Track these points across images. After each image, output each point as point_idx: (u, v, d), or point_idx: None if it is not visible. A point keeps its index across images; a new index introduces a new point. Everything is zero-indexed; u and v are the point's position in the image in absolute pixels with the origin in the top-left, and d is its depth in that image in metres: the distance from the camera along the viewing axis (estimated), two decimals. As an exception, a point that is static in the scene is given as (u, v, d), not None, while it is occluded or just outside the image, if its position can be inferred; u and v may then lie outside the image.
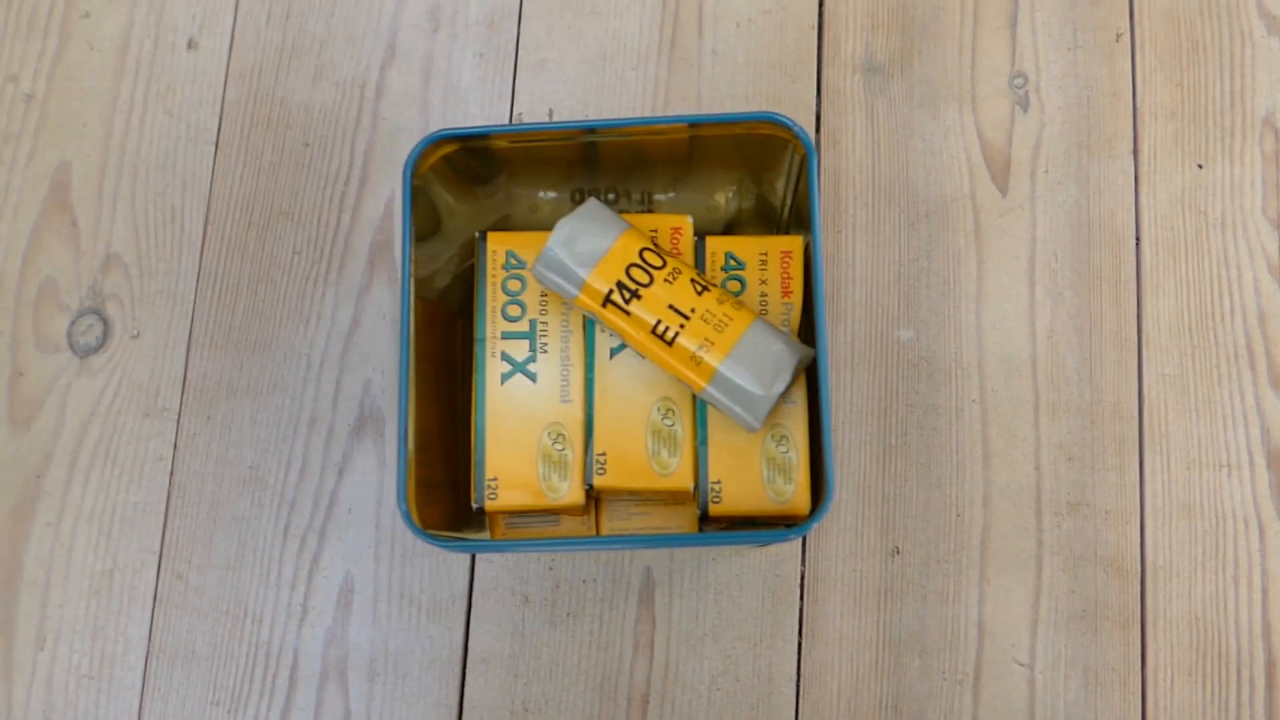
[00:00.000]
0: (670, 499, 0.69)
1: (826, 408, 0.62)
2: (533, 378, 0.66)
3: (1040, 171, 0.84)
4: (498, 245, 0.68)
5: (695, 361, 0.62)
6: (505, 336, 0.67)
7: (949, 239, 0.83)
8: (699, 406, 0.66)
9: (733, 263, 0.68)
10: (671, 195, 0.74)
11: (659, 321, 0.62)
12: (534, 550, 0.66)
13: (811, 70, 0.86)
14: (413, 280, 0.65)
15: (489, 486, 0.65)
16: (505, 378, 0.66)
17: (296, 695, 0.79)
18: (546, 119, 0.86)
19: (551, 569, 0.79)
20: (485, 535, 0.72)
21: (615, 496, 0.69)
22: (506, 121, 0.86)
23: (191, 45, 0.88)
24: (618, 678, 0.78)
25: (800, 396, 0.66)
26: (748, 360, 0.62)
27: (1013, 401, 0.81)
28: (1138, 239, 0.83)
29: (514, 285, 0.67)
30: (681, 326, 0.62)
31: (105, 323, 0.84)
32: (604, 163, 0.70)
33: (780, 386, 0.62)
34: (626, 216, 0.67)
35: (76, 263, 0.85)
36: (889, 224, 0.83)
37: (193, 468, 0.82)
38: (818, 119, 0.85)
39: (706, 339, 0.62)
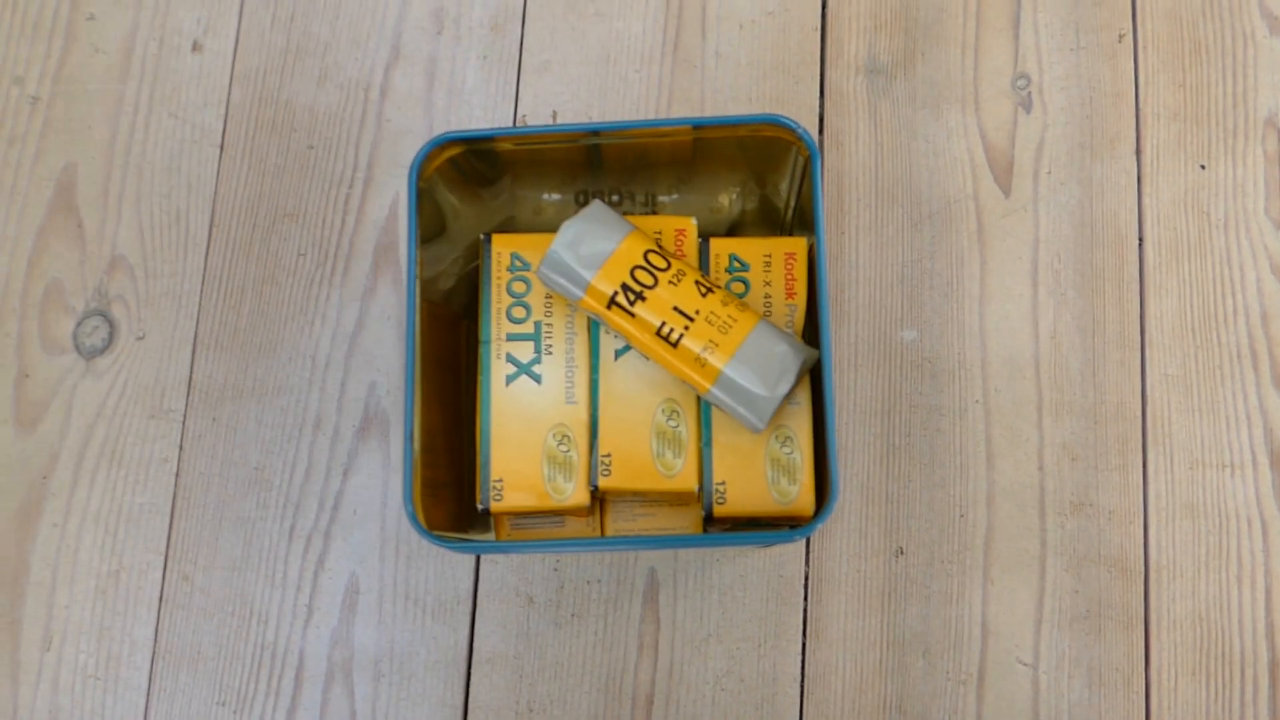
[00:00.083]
0: (675, 500, 0.69)
1: (830, 409, 0.62)
2: (538, 379, 0.66)
3: (1043, 172, 0.84)
4: (503, 247, 0.68)
5: (700, 363, 0.62)
6: (510, 338, 0.67)
7: (952, 240, 0.83)
8: (703, 408, 0.66)
9: (737, 264, 0.68)
10: (675, 197, 0.74)
11: (664, 323, 0.63)
12: (539, 551, 0.66)
13: (815, 72, 0.86)
14: (418, 282, 0.65)
15: (494, 488, 0.65)
16: (510, 379, 0.66)
17: (302, 696, 0.79)
18: (550, 121, 0.86)
19: (556, 570, 0.80)
20: (490, 536, 0.72)
21: (620, 498, 0.69)
22: (510, 123, 0.86)
23: (196, 48, 0.88)
24: (622, 678, 0.78)
25: (804, 398, 0.66)
26: (752, 362, 0.62)
27: (1016, 402, 0.81)
28: (1140, 240, 0.83)
29: (519, 287, 0.67)
30: (686, 328, 0.62)
31: (111, 324, 0.84)
32: (608, 164, 0.70)
33: (784, 388, 0.62)
34: (630, 218, 0.67)
35: (82, 264, 0.85)
36: (892, 225, 0.83)
37: (198, 469, 0.82)
38: (821, 120, 0.85)
39: (711, 341, 0.62)
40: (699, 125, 0.66)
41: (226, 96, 0.88)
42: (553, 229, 0.73)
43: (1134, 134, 0.84)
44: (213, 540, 0.81)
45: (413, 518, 0.62)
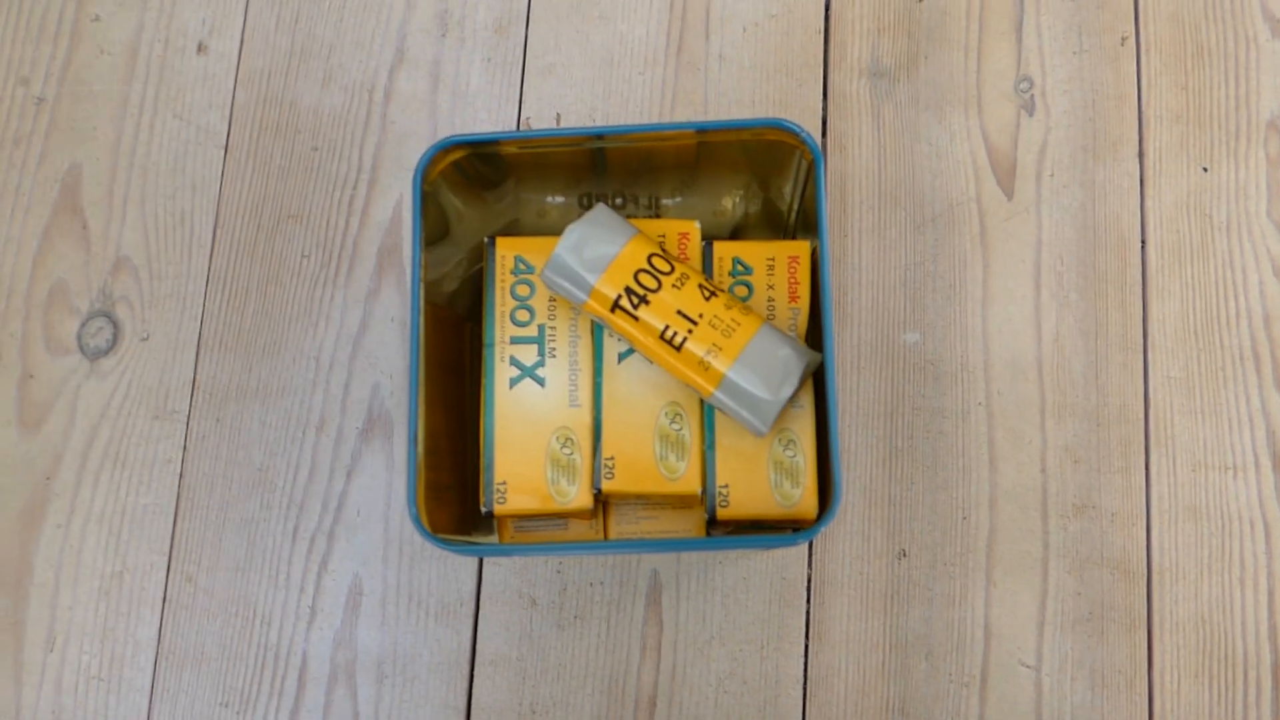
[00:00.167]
0: (678, 503, 0.69)
1: (833, 412, 0.62)
2: (541, 382, 0.66)
3: (1046, 175, 0.84)
4: (507, 250, 0.68)
5: (703, 366, 0.62)
6: (514, 341, 0.67)
7: (955, 243, 0.83)
8: (707, 411, 0.66)
9: (740, 268, 0.68)
10: (679, 200, 0.74)
11: (667, 327, 0.63)
12: (542, 554, 0.66)
13: (818, 74, 0.86)
14: (422, 285, 0.65)
15: (498, 490, 0.65)
16: (514, 382, 0.66)
17: (305, 697, 0.79)
18: (554, 123, 0.86)
19: (559, 572, 0.80)
20: (493, 538, 0.72)
21: (623, 500, 0.69)
22: (514, 125, 0.86)
23: (201, 49, 0.89)
24: (625, 680, 0.78)
25: (807, 401, 0.66)
26: (755, 365, 0.62)
27: (1019, 404, 0.81)
28: (1143, 242, 0.83)
29: (523, 290, 0.67)
30: (689, 332, 0.63)
31: (115, 325, 0.84)
32: (612, 168, 0.70)
33: (788, 391, 0.62)
34: (634, 221, 0.67)
35: (87, 265, 0.85)
36: (895, 228, 0.84)
37: (202, 470, 0.82)
38: (824, 123, 0.86)
39: (714, 344, 0.62)
40: (703, 129, 0.66)
41: (231, 98, 0.88)
42: (557, 232, 0.73)
43: (1136, 137, 0.84)
44: (216, 541, 0.81)
45: (416, 521, 0.62)
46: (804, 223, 0.72)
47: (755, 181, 0.73)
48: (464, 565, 0.80)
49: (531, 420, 0.66)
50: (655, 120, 0.86)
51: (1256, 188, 0.83)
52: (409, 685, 0.79)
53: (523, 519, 0.68)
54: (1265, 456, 0.80)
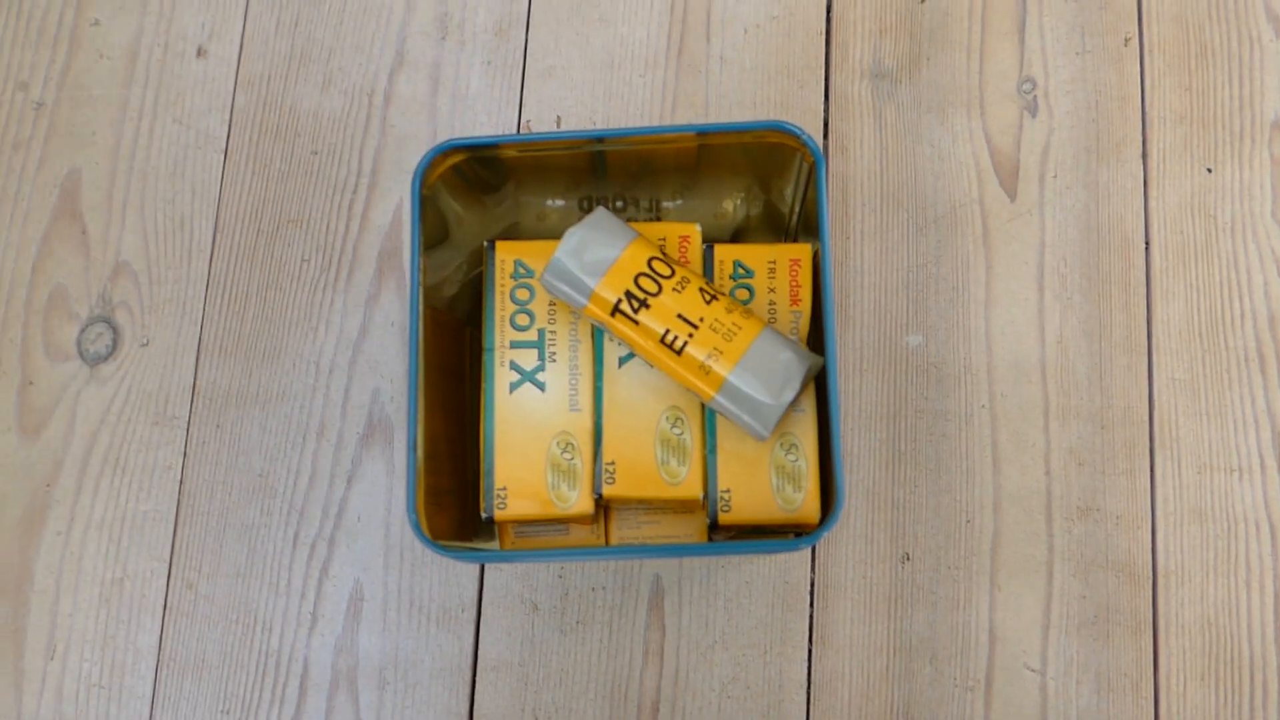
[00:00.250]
0: (679, 508, 0.69)
1: (836, 415, 0.62)
2: (541, 387, 0.66)
3: (1049, 176, 0.84)
4: (506, 254, 0.68)
5: (704, 370, 0.62)
6: (514, 345, 0.67)
7: (957, 244, 0.83)
8: (708, 415, 0.66)
9: (741, 271, 0.67)
10: (679, 202, 0.74)
11: (668, 331, 0.62)
12: (543, 560, 0.66)
13: (819, 76, 0.86)
14: (422, 289, 0.65)
15: (498, 496, 0.65)
16: (514, 387, 0.66)
17: (306, 704, 0.79)
18: (554, 126, 0.86)
19: (561, 577, 0.79)
20: (494, 543, 0.72)
21: (624, 505, 0.69)
22: (514, 128, 0.86)
23: (201, 53, 0.88)
24: (628, 685, 0.78)
25: (809, 404, 0.66)
26: (757, 369, 0.62)
27: (1022, 407, 0.80)
28: (1147, 243, 0.83)
29: (522, 294, 0.67)
30: (690, 335, 0.62)
31: (115, 331, 0.84)
32: (612, 171, 0.70)
33: (789, 395, 0.62)
34: (634, 225, 0.67)
35: (86, 270, 0.85)
36: (897, 229, 0.83)
37: (202, 476, 0.82)
38: (826, 125, 0.85)
39: (715, 348, 0.62)
40: (703, 132, 0.66)
41: (231, 102, 0.88)
42: (557, 235, 0.73)
43: (1140, 137, 0.84)
44: (217, 547, 0.81)
45: (416, 527, 0.62)
46: (805, 225, 0.72)
47: (756, 184, 0.73)
48: (465, 571, 0.80)
49: (532, 425, 0.66)
50: (656, 123, 0.86)
51: (1261, 188, 0.83)
52: (411, 691, 0.78)
53: (523, 524, 0.68)
54: (1271, 458, 0.79)
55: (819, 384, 0.66)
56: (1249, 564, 0.78)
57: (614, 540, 0.70)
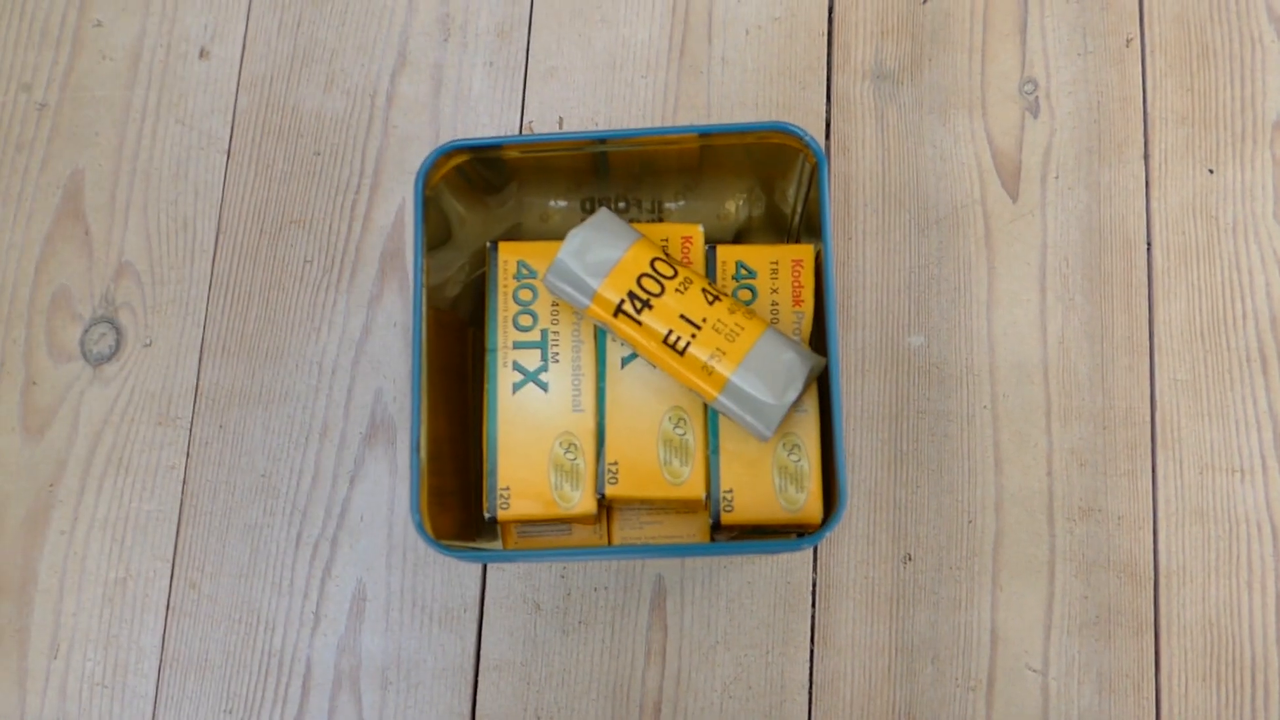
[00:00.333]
0: (682, 508, 0.69)
1: (838, 416, 0.62)
2: (544, 387, 0.66)
3: (1051, 177, 0.84)
4: (509, 255, 0.68)
5: (707, 371, 0.62)
6: (517, 346, 0.67)
7: (959, 245, 0.83)
8: (711, 415, 0.66)
9: (743, 272, 0.68)
10: (682, 203, 0.74)
11: (670, 331, 0.63)
12: (546, 560, 0.66)
13: (821, 77, 0.86)
14: (425, 289, 0.65)
15: (501, 496, 0.65)
16: (517, 387, 0.66)
17: (309, 704, 0.79)
18: (557, 127, 0.86)
19: (563, 577, 0.79)
20: (497, 543, 0.72)
21: (627, 505, 0.69)
22: (516, 129, 0.86)
23: (203, 54, 0.89)
24: (630, 685, 0.78)
25: (812, 405, 0.66)
26: (759, 369, 0.62)
27: (1024, 407, 0.81)
28: (1149, 244, 0.83)
29: (525, 295, 0.67)
30: (693, 336, 0.62)
31: (118, 331, 0.84)
32: (615, 171, 0.70)
33: (792, 395, 0.62)
34: (637, 226, 0.67)
35: (89, 271, 0.85)
36: (899, 230, 0.83)
37: (205, 476, 0.82)
38: (827, 126, 0.85)
39: (718, 349, 0.62)
40: (706, 133, 0.66)
41: (233, 103, 0.88)
42: (559, 236, 0.73)
43: (1142, 138, 0.84)
44: (220, 547, 0.81)
45: (419, 527, 0.62)
46: (807, 226, 0.72)
47: (758, 185, 0.73)
48: (468, 570, 0.80)
49: (535, 425, 0.66)
50: (658, 124, 0.86)
51: (1262, 189, 0.83)
52: (413, 691, 0.78)
53: (526, 524, 0.68)
54: (1273, 459, 0.79)
55: (821, 384, 0.66)
56: (1251, 565, 0.78)
57: (616, 540, 0.70)
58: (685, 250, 0.68)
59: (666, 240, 0.68)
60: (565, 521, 0.67)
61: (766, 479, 0.65)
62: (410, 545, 0.80)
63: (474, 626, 0.79)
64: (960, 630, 0.78)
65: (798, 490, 0.65)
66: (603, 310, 0.63)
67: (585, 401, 0.66)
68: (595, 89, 0.87)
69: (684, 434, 0.65)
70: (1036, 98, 0.85)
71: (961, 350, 0.81)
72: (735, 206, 0.75)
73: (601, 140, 0.66)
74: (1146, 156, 0.84)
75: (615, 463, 0.65)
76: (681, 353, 0.62)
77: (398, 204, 0.85)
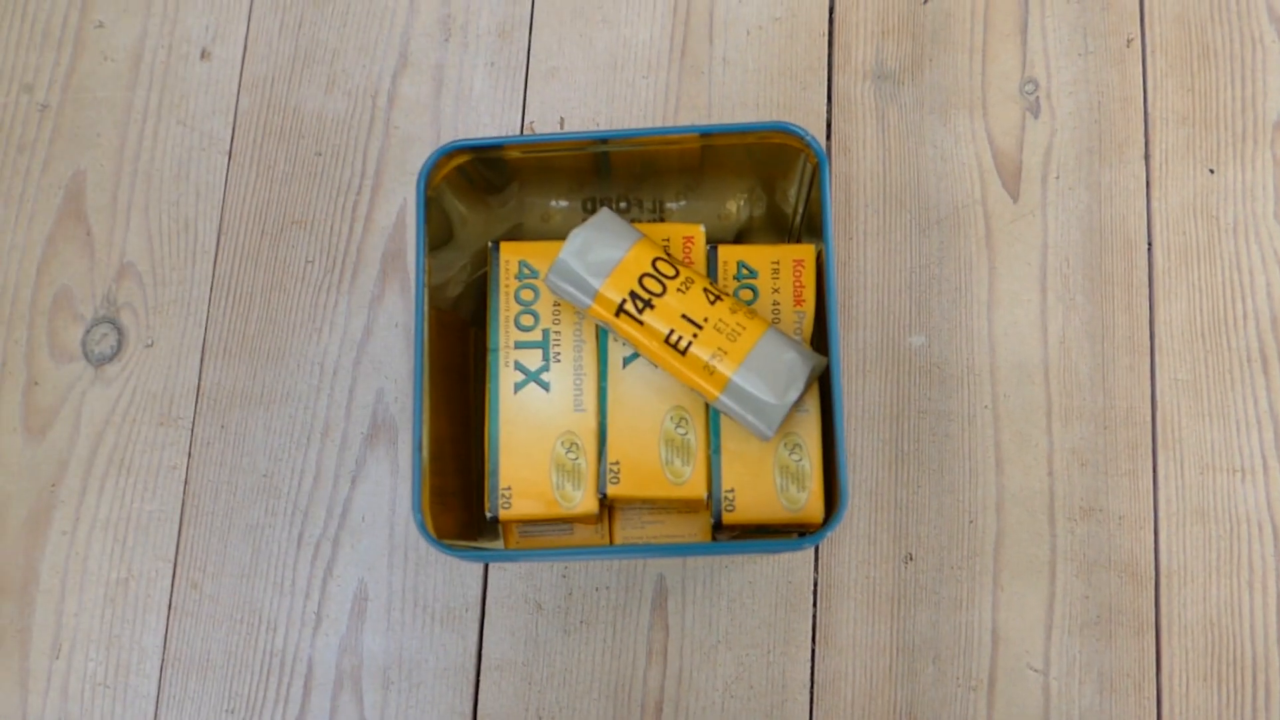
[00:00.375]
0: (683, 508, 0.69)
1: (839, 416, 0.62)
2: (546, 387, 0.66)
3: (1051, 177, 0.84)
4: (511, 255, 0.68)
5: (708, 371, 0.62)
6: (518, 346, 0.67)
7: (960, 245, 0.83)
8: (712, 415, 0.66)
9: (745, 271, 0.68)
10: (683, 203, 0.74)
11: (672, 331, 0.63)
12: (547, 559, 0.66)
13: (822, 77, 0.86)
14: (426, 289, 0.65)
15: (503, 495, 0.65)
16: (519, 387, 0.66)
17: (311, 703, 0.79)
18: (558, 127, 0.86)
19: (565, 577, 0.79)
20: (498, 543, 0.72)
21: (628, 505, 0.69)
22: (518, 129, 0.86)
23: (205, 55, 0.89)
24: (631, 685, 0.78)
25: (813, 405, 0.66)
26: (761, 369, 0.62)
27: (1025, 407, 0.81)
28: (1149, 244, 0.83)
29: (527, 295, 0.67)
30: (694, 336, 0.62)
31: (120, 332, 0.84)
32: (616, 172, 0.70)
33: (793, 395, 0.62)
34: (638, 225, 0.67)
35: (91, 272, 0.85)
36: (900, 230, 0.83)
37: (207, 476, 0.82)
38: (828, 126, 0.85)
39: (719, 348, 0.62)
40: (707, 133, 0.66)
41: (235, 104, 0.88)
42: (561, 236, 0.73)
43: (1143, 138, 0.84)
44: (221, 548, 0.81)
45: (421, 526, 0.62)
46: (809, 226, 0.72)
47: (759, 185, 0.73)
48: (469, 570, 0.80)
49: (536, 425, 0.66)
50: (659, 124, 0.86)
51: (1263, 189, 0.83)
52: (415, 691, 0.79)
53: (528, 524, 0.68)
54: (1273, 459, 0.79)
55: (822, 384, 0.66)
56: (1251, 564, 0.78)
57: (618, 540, 0.70)
58: (687, 250, 0.68)
59: (668, 240, 0.68)
60: (567, 521, 0.67)
61: (768, 479, 0.65)
62: (412, 545, 0.80)
63: (475, 626, 0.79)
64: (961, 630, 0.78)
65: (799, 490, 0.65)
66: (604, 310, 0.63)
67: (587, 401, 0.66)
68: (596, 89, 0.87)
69: (685, 434, 0.65)
70: (1037, 98, 0.85)
71: (962, 350, 0.82)
72: (736, 206, 0.75)
73: (603, 140, 0.66)
74: (1147, 156, 0.84)
75: (617, 462, 0.65)
76: (683, 352, 0.63)
77: (399, 204, 0.85)
